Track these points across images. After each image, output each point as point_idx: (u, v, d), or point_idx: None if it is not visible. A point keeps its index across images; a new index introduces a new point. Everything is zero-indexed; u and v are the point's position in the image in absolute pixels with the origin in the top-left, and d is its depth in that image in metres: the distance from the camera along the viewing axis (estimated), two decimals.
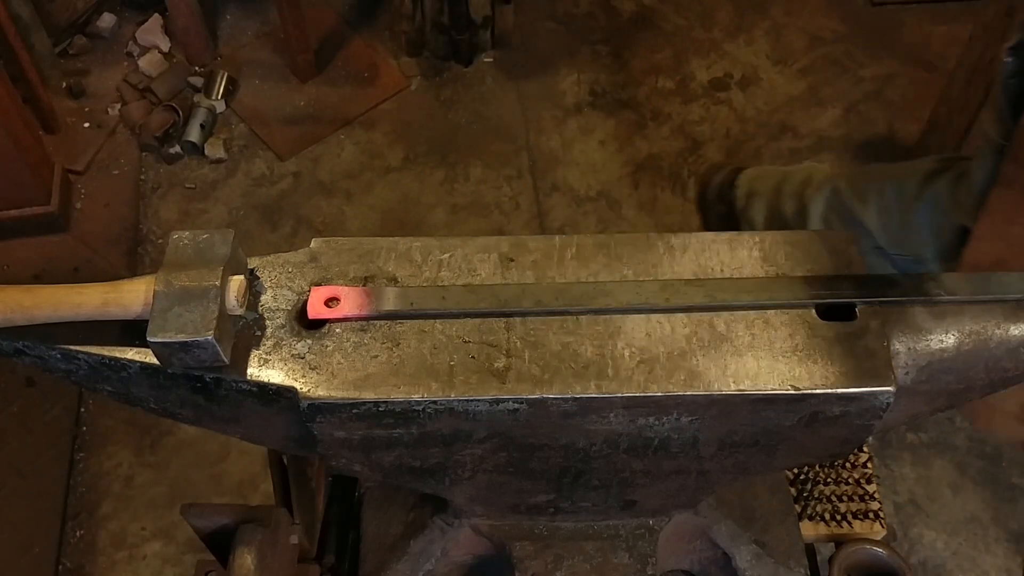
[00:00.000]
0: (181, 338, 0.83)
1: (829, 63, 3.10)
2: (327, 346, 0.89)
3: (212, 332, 0.83)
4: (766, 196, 2.46)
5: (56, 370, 0.93)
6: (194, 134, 2.88)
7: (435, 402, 0.87)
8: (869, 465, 1.47)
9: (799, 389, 0.87)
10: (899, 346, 0.91)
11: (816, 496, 1.44)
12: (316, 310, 0.90)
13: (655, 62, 3.11)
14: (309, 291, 0.92)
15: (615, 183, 2.86)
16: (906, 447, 2.42)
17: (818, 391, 0.87)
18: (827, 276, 0.94)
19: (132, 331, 0.88)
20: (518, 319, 0.91)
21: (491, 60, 3.12)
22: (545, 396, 0.87)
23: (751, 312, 0.91)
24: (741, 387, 0.87)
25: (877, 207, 2.13)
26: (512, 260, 0.95)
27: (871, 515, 1.43)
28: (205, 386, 0.90)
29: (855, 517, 1.43)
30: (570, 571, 1.16)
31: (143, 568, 2.26)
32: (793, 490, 1.43)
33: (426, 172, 2.89)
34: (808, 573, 1.31)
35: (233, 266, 0.88)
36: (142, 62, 3.02)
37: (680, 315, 0.91)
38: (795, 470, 1.46)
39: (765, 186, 2.48)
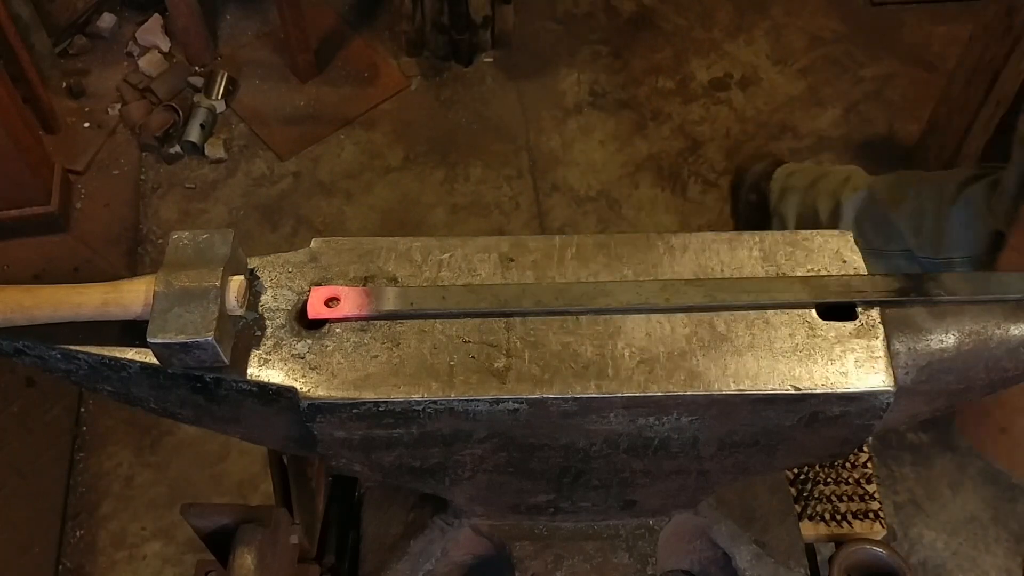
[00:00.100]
0: (181, 339, 0.83)
1: (829, 63, 3.10)
2: (327, 346, 0.89)
3: (212, 333, 0.83)
4: (801, 191, 2.48)
5: (56, 370, 0.93)
6: (194, 134, 2.87)
7: (435, 402, 0.87)
8: (869, 465, 1.47)
9: (799, 389, 0.87)
10: (899, 346, 0.91)
11: (816, 496, 1.44)
12: (316, 310, 0.90)
13: (655, 62, 3.11)
14: (309, 291, 0.92)
15: (615, 183, 2.86)
16: (906, 447, 2.42)
17: (818, 391, 0.87)
18: (827, 276, 0.94)
19: (132, 331, 0.88)
20: (518, 319, 0.91)
21: (491, 60, 3.12)
22: (545, 396, 0.87)
23: (751, 312, 0.91)
24: (741, 387, 0.87)
25: (911, 208, 2.15)
26: (512, 260, 0.95)
27: (871, 515, 1.43)
28: (205, 386, 0.90)
29: (855, 517, 1.43)
30: (570, 571, 1.16)
31: (143, 568, 2.26)
32: (793, 490, 1.43)
33: (426, 172, 2.88)
34: (808, 573, 1.31)
35: (233, 266, 0.88)
36: (142, 62, 3.01)
37: (680, 315, 0.91)
38: (795, 470, 1.46)
39: (801, 182, 2.50)
